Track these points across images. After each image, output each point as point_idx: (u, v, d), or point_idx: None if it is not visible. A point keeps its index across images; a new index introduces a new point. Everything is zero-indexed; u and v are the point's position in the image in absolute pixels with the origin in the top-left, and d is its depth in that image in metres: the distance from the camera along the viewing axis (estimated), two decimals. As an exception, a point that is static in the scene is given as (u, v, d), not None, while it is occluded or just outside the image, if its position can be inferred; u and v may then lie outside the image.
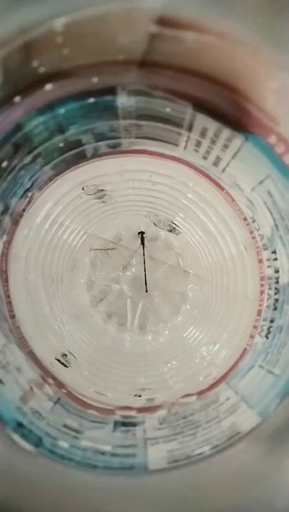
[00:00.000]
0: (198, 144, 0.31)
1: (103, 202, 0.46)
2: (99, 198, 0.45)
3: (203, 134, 0.30)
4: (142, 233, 0.52)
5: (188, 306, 0.51)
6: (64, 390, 0.36)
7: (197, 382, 0.39)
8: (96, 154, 0.35)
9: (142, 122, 0.30)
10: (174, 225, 0.51)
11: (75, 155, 0.34)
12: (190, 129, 0.30)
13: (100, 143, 0.33)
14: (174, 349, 0.48)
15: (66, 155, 0.33)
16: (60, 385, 0.36)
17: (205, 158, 0.33)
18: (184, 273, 0.53)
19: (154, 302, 0.52)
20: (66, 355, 0.43)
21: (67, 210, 0.44)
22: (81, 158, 0.35)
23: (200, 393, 0.37)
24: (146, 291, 0.52)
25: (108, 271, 0.52)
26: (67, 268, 0.49)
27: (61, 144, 0.31)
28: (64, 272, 0.49)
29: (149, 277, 0.51)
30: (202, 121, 0.28)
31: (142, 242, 0.53)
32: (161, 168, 0.39)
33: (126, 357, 0.48)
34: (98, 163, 0.36)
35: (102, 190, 0.43)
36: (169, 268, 0.52)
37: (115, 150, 0.35)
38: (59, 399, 0.34)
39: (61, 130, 0.29)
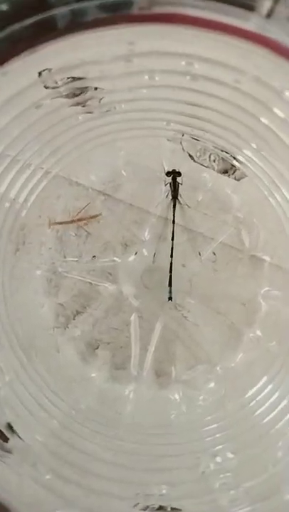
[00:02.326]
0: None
1: (88, 112, 0.46)
2: (79, 103, 0.45)
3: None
4: (174, 174, 0.53)
5: (258, 332, 0.51)
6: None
7: (284, 503, 0.39)
8: (77, 24, 0.33)
9: None
10: (234, 162, 0.51)
11: (32, 27, 0.32)
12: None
13: (87, 2, 0.32)
14: (230, 423, 0.48)
15: (14, 27, 0.32)
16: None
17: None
18: (252, 261, 0.53)
19: (186, 321, 0.52)
20: (2, 433, 0.42)
21: (14, 128, 0.43)
22: (46, 31, 0.33)
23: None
24: (171, 297, 0.52)
25: (91, 253, 0.53)
26: (8, 247, 0.50)
27: (4, 7, 0.30)
28: (2, 254, 0.50)
29: (178, 269, 0.52)
30: None
31: (174, 195, 0.52)
32: (214, 50, 0.37)
33: (127, 434, 0.48)
34: (80, 38, 0.34)
35: (86, 88, 0.43)
36: (221, 250, 0.52)
37: (118, 15, 0.33)
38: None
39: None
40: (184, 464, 0.45)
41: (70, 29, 0.34)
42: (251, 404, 0.49)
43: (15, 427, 0.43)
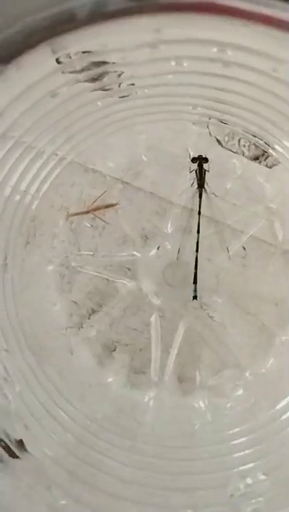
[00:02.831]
0: None
1: (107, 97, 0.45)
2: (98, 88, 0.44)
3: None
4: (200, 160, 0.52)
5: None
6: None
7: None
8: (99, 14, 0.33)
9: None
10: (265, 147, 0.49)
11: (48, 19, 0.33)
12: None
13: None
14: (260, 438, 0.46)
15: (29, 20, 0.33)
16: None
17: None
18: (285, 256, 0.51)
19: (212, 321, 0.51)
20: (7, 445, 0.41)
21: (29, 116, 0.42)
22: (63, 23, 0.34)
23: None
24: (196, 296, 0.50)
25: (108, 246, 0.52)
26: (19, 240, 0.49)
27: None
28: (12, 247, 0.48)
29: (204, 264, 0.51)
30: None
31: (200, 183, 0.52)
32: (250, 39, 0.37)
33: (145, 446, 0.47)
34: (102, 27, 0.34)
35: (106, 72, 0.43)
36: (251, 244, 0.51)
37: (144, 3, 0.34)
38: None
39: None
40: (210, 484, 0.44)
41: (90, 19, 0.34)
42: (283, 417, 0.47)
43: (26, 444, 0.42)
